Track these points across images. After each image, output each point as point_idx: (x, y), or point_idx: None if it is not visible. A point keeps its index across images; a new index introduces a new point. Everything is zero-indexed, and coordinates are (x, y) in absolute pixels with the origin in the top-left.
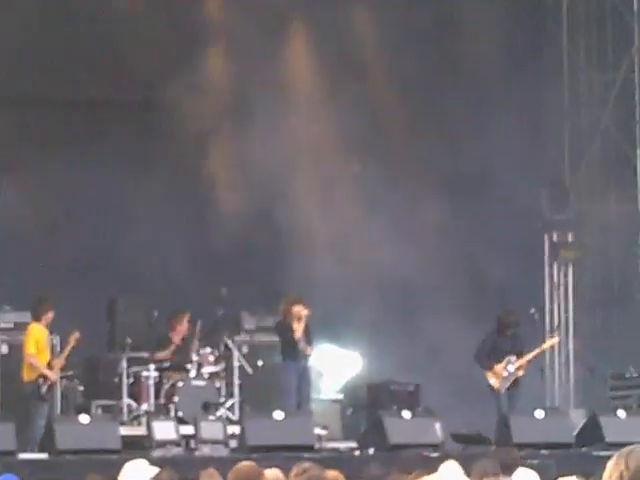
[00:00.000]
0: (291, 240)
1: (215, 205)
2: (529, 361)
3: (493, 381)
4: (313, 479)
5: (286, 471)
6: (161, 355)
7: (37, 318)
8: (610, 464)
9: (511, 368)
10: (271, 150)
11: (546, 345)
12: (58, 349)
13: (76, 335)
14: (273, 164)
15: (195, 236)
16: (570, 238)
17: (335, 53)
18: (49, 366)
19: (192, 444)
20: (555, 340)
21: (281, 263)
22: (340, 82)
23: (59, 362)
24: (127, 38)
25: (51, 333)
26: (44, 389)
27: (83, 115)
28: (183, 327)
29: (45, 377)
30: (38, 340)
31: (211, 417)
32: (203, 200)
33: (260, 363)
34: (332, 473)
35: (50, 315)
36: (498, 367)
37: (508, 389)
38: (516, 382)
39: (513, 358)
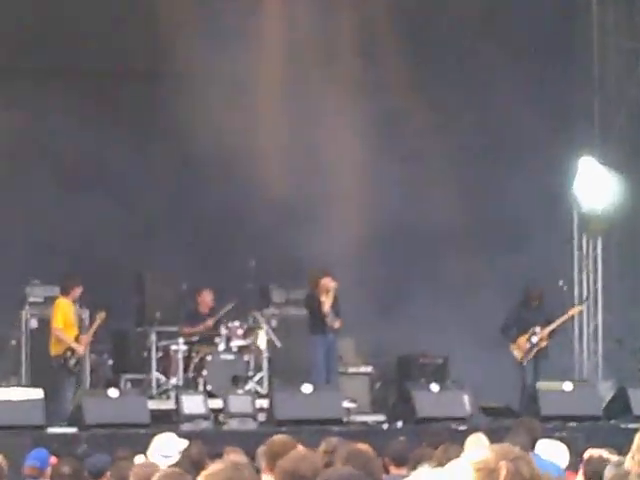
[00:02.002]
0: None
1: (235, 178)
2: (552, 331)
3: (516, 353)
4: (352, 454)
5: (314, 444)
6: (194, 329)
7: (65, 293)
8: (638, 437)
9: (534, 339)
10: (282, 120)
11: (569, 314)
12: (87, 323)
13: (102, 315)
14: (288, 135)
15: (221, 208)
16: (599, 210)
17: None
18: (76, 340)
19: (221, 418)
20: (578, 309)
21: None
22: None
23: (86, 339)
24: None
25: (80, 307)
26: (72, 362)
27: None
28: (205, 299)
29: (73, 350)
30: (65, 314)
31: (240, 391)
32: (220, 171)
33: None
34: (362, 446)
35: (78, 290)
36: (521, 339)
37: (535, 361)
38: (543, 353)
39: (538, 329)
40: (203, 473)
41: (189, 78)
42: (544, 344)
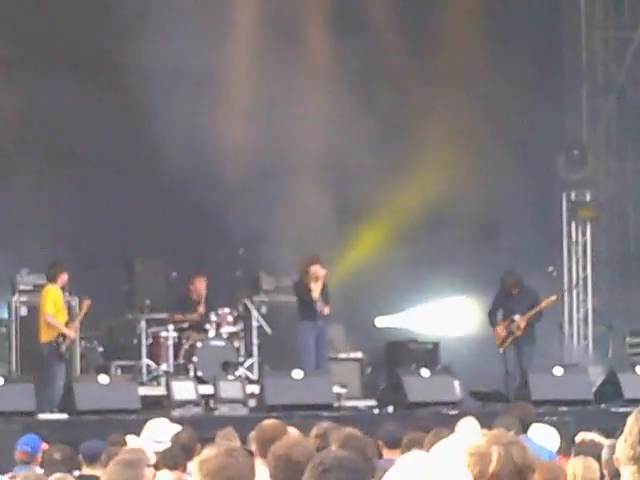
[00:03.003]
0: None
1: (225, 164)
2: (530, 320)
3: (496, 340)
4: (347, 439)
5: (305, 429)
6: (185, 317)
7: (52, 280)
8: (630, 420)
9: (512, 327)
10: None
11: (542, 306)
12: (77, 310)
13: (87, 302)
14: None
15: (208, 195)
16: (588, 197)
17: None
18: (66, 326)
19: (211, 403)
20: (552, 299)
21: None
22: None
23: (74, 325)
24: None
25: (70, 294)
26: (63, 347)
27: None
28: (197, 287)
29: (64, 336)
30: (55, 300)
31: (230, 377)
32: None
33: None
34: (355, 431)
35: (64, 277)
36: (500, 327)
37: (516, 347)
38: (526, 339)
39: (516, 317)
40: (197, 459)
41: (157, 70)
42: (519, 333)
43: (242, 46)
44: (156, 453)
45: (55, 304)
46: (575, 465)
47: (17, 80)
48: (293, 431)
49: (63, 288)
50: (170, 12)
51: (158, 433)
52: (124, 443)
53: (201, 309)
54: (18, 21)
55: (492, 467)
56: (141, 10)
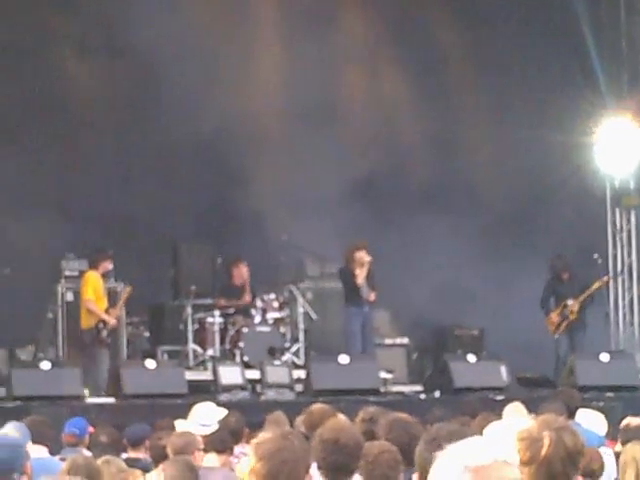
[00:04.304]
0: None
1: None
2: (581, 305)
3: (549, 326)
4: (395, 422)
5: (351, 414)
6: (229, 303)
7: (94, 266)
8: None
9: (566, 312)
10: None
11: (594, 287)
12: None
13: (128, 289)
14: None
15: (253, 181)
16: (632, 185)
17: None
18: (106, 313)
19: (258, 388)
20: (604, 280)
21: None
22: None
23: (115, 312)
24: None
25: (116, 281)
26: (104, 333)
27: None
28: (240, 272)
29: (104, 322)
30: (95, 287)
31: (277, 362)
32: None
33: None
34: (403, 415)
35: (106, 265)
36: (554, 313)
37: (569, 333)
38: (579, 324)
39: (570, 301)
40: (253, 441)
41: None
42: (573, 317)
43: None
44: (203, 437)
45: (95, 290)
46: (635, 450)
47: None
48: (341, 416)
49: (104, 275)
50: None
51: (205, 417)
52: (173, 428)
53: (247, 298)
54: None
55: (544, 451)
56: None
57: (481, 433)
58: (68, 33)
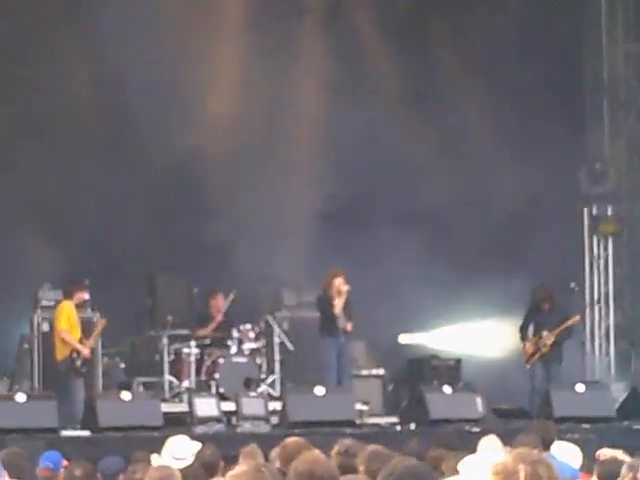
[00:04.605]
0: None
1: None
2: (558, 337)
3: (524, 355)
4: (374, 455)
5: (327, 446)
6: (202, 332)
7: (69, 296)
8: None
9: (540, 344)
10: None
11: (566, 324)
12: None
13: (103, 321)
14: None
15: (229, 211)
16: (609, 212)
17: None
18: (80, 343)
19: (234, 420)
20: (576, 319)
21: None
22: None
23: (89, 343)
24: None
25: (92, 311)
26: (78, 363)
27: None
28: (217, 302)
29: (78, 352)
30: (70, 317)
31: (252, 393)
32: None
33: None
34: (376, 447)
35: (81, 295)
36: (529, 343)
37: (545, 364)
38: (555, 357)
39: (545, 333)
40: (228, 474)
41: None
42: (546, 350)
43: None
44: (178, 470)
45: (69, 320)
46: None
47: None
48: (316, 451)
49: (79, 306)
50: None
51: (178, 450)
52: (149, 461)
53: (219, 317)
54: None
55: None
56: None
57: (435, 468)
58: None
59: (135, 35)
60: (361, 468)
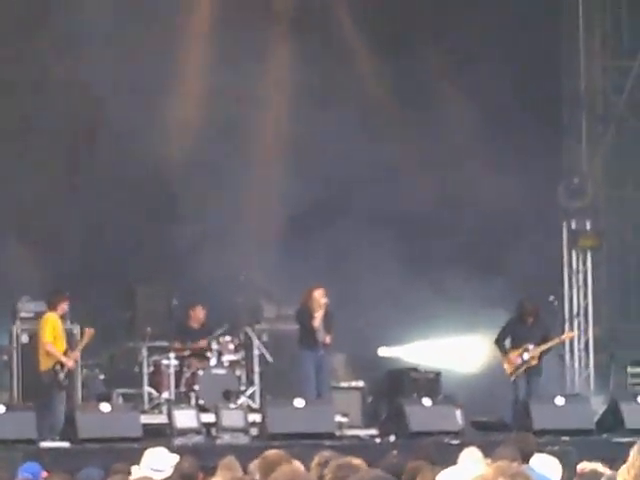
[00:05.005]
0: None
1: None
2: (544, 352)
3: (506, 367)
4: (342, 467)
5: (306, 458)
6: (185, 347)
7: (52, 308)
8: (633, 452)
9: (526, 356)
10: None
11: (562, 338)
12: (78, 338)
13: (91, 332)
14: None
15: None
16: (588, 226)
17: None
18: (65, 355)
19: (213, 432)
20: (572, 334)
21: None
22: None
23: (75, 355)
24: None
25: (71, 323)
26: (62, 376)
27: None
28: (197, 315)
29: (62, 364)
30: (54, 328)
31: (232, 405)
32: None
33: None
34: (355, 460)
35: (65, 305)
36: (513, 354)
37: (527, 377)
38: (536, 369)
39: (531, 346)
40: None
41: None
42: (534, 363)
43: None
44: None
45: (53, 332)
46: None
47: None
48: (296, 463)
49: (63, 317)
50: None
51: (157, 462)
52: (128, 472)
53: (202, 342)
54: None
55: None
56: None
57: None
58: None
59: (102, 41)
60: (329, 476)
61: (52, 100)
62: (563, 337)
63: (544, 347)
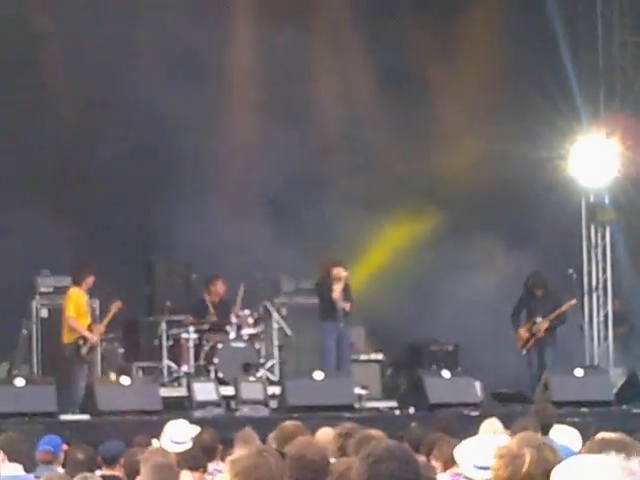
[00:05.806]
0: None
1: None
2: (554, 322)
3: (518, 342)
4: (364, 439)
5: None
6: (205, 320)
7: (77, 282)
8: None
9: (534, 329)
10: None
11: (562, 309)
12: (98, 313)
13: (118, 304)
14: None
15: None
16: (606, 200)
17: None
18: (89, 329)
19: (232, 405)
20: (573, 302)
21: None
22: None
23: (99, 328)
24: None
25: (91, 297)
26: (84, 350)
27: None
28: (217, 289)
29: (85, 339)
30: (78, 303)
31: (251, 378)
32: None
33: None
34: (375, 432)
35: (90, 280)
36: (523, 329)
37: (538, 349)
38: (548, 341)
39: (539, 319)
40: (228, 459)
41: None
42: (541, 335)
43: None
44: (177, 454)
45: (77, 307)
46: None
47: None
48: (322, 430)
49: (88, 291)
50: None
51: (177, 434)
52: (149, 444)
53: (235, 316)
54: None
55: (525, 468)
56: None
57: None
58: None
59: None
60: (351, 452)
61: (72, 71)
62: (564, 307)
63: (551, 317)
